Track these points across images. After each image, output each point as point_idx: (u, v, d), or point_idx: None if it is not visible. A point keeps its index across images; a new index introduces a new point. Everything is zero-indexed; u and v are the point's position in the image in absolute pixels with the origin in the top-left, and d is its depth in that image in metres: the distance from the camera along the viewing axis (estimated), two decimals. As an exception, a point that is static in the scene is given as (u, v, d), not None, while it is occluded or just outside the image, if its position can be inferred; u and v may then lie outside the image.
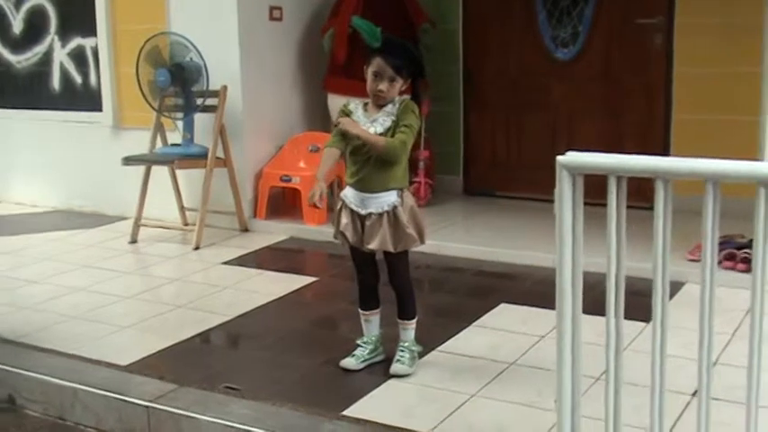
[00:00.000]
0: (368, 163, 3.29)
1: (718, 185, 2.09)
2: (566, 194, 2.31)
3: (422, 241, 3.37)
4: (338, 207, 3.41)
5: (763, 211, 1.97)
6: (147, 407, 3.21)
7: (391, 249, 3.31)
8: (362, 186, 3.31)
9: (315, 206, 3.29)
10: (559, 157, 2.36)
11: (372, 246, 3.31)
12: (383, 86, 3.27)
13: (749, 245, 4.52)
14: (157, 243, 5.68)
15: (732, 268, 4.42)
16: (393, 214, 3.28)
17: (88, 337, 3.95)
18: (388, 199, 3.29)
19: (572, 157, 2.35)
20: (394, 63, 3.26)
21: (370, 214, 3.30)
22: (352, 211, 3.34)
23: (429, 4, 6.43)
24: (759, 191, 2.01)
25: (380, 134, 3.26)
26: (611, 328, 2.22)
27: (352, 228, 3.33)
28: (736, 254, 4.48)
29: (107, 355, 3.71)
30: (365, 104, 3.39)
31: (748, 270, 4.32)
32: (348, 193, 3.36)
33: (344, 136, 3.33)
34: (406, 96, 3.39)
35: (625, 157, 2.29)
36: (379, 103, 3.33)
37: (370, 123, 3.30)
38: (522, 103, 6.52)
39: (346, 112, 3.38)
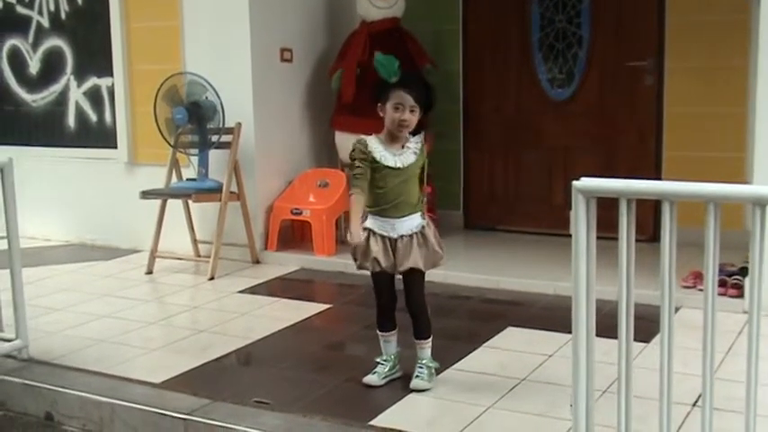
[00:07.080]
0: (398, 189, 3.52)
1: (718, 206, 2.36)
2: (581, 215, 2.58)
3: (443, 256, 3.64)
4: (364, 238, 3.56)
5: (759, 227, 2.23)
6: (184, 419, 3.42)
7: (422, 268, 3.55)
8: (394, 212, 3.52)
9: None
10: (575, 182, 2.63)
11: (406, 266, 3.53)
12: (406, 116, 3.49)
13: (738, 272, 4.79)
14: (173, 274, 5.90)
15: (723, 294, 4.62)
16: (422, 234, 3.55)
17: (119, 358, 4.16)
18: (416, 221, 3.55)
19: (586, 182, 2.63)
20: (413, 94, 3.50)
21: (401, 237, 3.54)
22: (382, 237, 3.55)
23: (431, 46, 6.68)
24: (755, 210, 2.28)
25: (410, 164, 3.52)
26: (623, 328, 2.48)
27: (384, 253, 3.55)
28: (726, 281, 4.72)
29: (140, 374, 3.92)
30: (380, 140, 3.57)
31: (739, 295, 4.61)
32: (374, 223, 3.56)
33: (372, 169, 3.52)
34: (422, 135, 3.63)
35: (634, 181, 2.57)
36: (400, 134, 3.53)
37: (398, 158, 3.52)
38: (520, 140, 6.79)
39: (364, 151, 3.52)
